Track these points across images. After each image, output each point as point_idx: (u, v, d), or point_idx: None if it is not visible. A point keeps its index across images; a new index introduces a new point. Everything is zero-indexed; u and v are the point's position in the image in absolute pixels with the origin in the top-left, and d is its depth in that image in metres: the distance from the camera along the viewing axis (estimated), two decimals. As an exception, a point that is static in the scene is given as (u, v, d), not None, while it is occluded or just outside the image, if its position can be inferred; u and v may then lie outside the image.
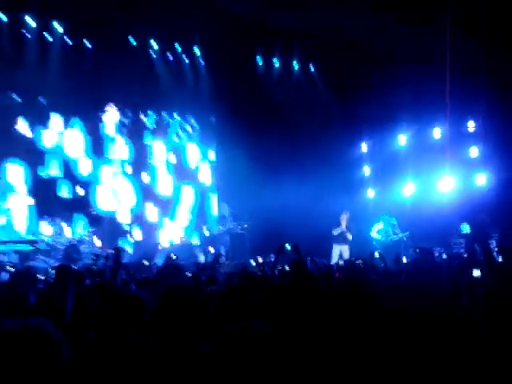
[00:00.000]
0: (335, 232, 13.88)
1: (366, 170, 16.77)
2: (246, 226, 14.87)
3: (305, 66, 16.51)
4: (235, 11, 13.73)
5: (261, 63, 16.29)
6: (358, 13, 13.27)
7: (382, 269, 8.14)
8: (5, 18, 12.99)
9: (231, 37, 14.23)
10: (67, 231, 13.71)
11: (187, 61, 15.56)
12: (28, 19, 13.29)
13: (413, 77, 13.64)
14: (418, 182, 15.26)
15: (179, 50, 15.46)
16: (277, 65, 16.44)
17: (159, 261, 12.25)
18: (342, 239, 13.81)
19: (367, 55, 14.42)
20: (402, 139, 15.79)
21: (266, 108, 15.98)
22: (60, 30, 13.79)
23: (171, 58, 15.45)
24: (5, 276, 9.61)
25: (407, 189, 15.51)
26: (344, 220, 13.92)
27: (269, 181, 15.07)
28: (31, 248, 12.03)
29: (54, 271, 8.62)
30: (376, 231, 14.21)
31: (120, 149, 15.24)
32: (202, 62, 15.60)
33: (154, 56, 15.16)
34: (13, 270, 9.57)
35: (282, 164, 15.55)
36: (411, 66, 13.73)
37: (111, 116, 15.09)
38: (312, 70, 16.60)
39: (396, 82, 13.92)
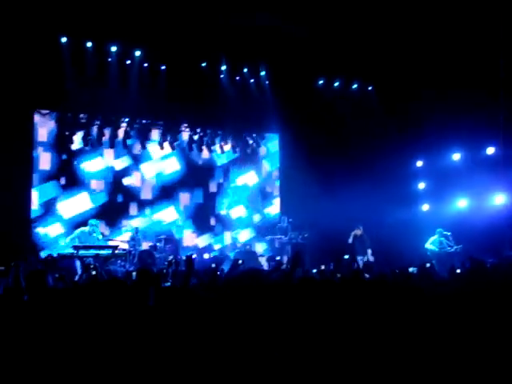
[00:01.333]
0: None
1: (421, 185, 17.32)
2: (306, 235, 15.41)
3: (363, 86, 17.26)
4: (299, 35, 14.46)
5: (321, 82, 17.03)
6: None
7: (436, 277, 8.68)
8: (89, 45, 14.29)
9: (294, 59, 15.09)
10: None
11: (252, 80, 16.46)
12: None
13: (466, 98, 13.98)
14: (472, 196, 15.54)
15: (245, 70, 16.38)
16: (336, 84, 17.18)
17: (226, 267, 13.26)
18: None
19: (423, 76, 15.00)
20: (456, 156, 16.17)
21: (326, 124, 16.70)
22: (138, 54, 14.91)
23: (238, 79, 16.36)
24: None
25: (461, 203, 15.89)
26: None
27: (327, 193, 15.72)
28: (110, 253, 12.75)
29: (134, 273, 9.88)
30: (430, 243, 14.59)
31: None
32: (267, 82, 16.46)
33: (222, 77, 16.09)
34: (94, 272, 10.74)
35: (340, 177, 16.18)
36: (464, 87, 14.12)
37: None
38: (369, 88, 17.40)
39: (449, 102, 14.42)
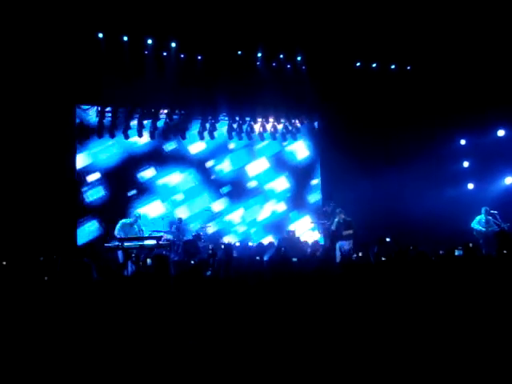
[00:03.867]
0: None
1: (466, 164, 17.03)
2: (349, 219, 14.96)
3: (402, 67, 16.95)
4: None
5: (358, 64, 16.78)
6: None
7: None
8: (125, 39, 14.40)
9: (332, 42, 14.97)
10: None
11: (289, 66, 16.31)
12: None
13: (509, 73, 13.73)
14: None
15: (281, 57, 16.24)
16: (374, 65, 16.91)
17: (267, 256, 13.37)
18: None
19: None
20: (501, 132, 15.81)
21: (365, 107, 16.58)
22: (173, 45, 14.97)
23: (274, 65, 16.24)
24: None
25: (508, 180, 15.60)
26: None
27: (369, 175, 15.78)
28: (154, 244, 12.75)
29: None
30: (477, 222, 14.31)
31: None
32: (304, 67, 16.33)
33: (258, 64, 16.01)
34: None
35: (381, 159, 16.30)
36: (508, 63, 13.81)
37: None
38: (408, 68, 17.08)
39: (491, 78, 14.16)
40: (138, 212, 13.82)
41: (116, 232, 13.15)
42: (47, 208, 13.70)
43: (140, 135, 15.49)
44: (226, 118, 16.43)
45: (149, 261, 10.77)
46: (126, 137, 15.32)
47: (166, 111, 15.55)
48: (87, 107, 15.13)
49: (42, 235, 13.19)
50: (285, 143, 17.39)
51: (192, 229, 15.44)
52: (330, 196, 16.73)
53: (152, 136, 15.66)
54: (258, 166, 17.23)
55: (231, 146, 16.94)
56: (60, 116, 14.15)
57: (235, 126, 16.42)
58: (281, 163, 17.45)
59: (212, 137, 16.25)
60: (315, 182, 17.86)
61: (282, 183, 17.43)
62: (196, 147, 16.51)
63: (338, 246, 13.80)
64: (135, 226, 13.22)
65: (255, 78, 15.62)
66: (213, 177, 16.60)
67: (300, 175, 17.62)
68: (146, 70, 14.59)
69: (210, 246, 13.39)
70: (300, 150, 17.80)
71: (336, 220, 14.03)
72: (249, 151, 17.13)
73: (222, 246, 13.05)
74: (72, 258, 10.87)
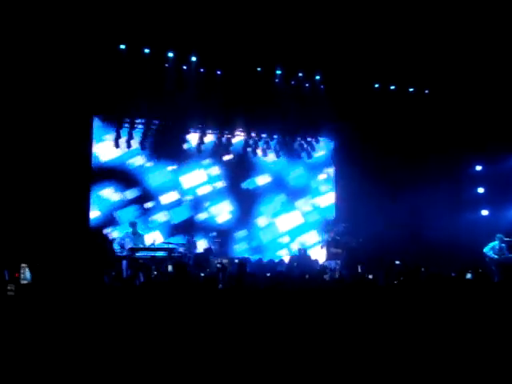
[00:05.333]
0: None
1: (481, 190, 16.89)
2: (360, 240, 14.96)
3: (420, 90, 16.88)
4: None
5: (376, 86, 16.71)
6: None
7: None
8: (147, 51, 14.46)
9: (351, 63, 14.99)
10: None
11: (307, 85, 16.29)
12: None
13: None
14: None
15: (300, 75, 16.22)
16: (392, 87, 16.83)
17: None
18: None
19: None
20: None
21: (382, 128, 16.50)
22: (194, 59, 14.97)
23: (293, 83, 16.19)
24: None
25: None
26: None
27: (383, 197, 15.69)
28: (166, 255, 12.93)
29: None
30: (490, 248, 14.16)
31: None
32: (322, 86, 16.31)
33: (276, 81, 15.95)
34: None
35: (396, 182, 16.20)
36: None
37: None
38: (426, 92, 17.00)
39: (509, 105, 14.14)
40: (133, 220, 13.96)
41: (117, 244, 13.16)
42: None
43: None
44: (243, 134, 16.42)
45: (170, 267, 11.93)
46: (143, 148, 15.38)
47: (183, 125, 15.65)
48: (105, 117, 15.15)
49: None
50: (300, 160, 17.27)
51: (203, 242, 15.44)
52: (344, 216, 16.67)
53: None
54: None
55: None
56: (78, 126, 14.25)
57: (251, 142, 16.42)
58: (292, 180, 17.33)
59: (227, 152, 16.30)
60: (329, 199, 17.74)
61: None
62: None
63: (325, 264, 13.74)
64: (139, 233, 13.42)
65: (273, 94, 15.58)
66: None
67: (314, 193, 17.52)
68: (166, 83, 14.63)
69: (220, 261, 13.46)
70: (315, 168, 17.67)
71: (325, 238, 13.97)
72: (260, 166, 17.04)
73: (236, 261, 13.43)
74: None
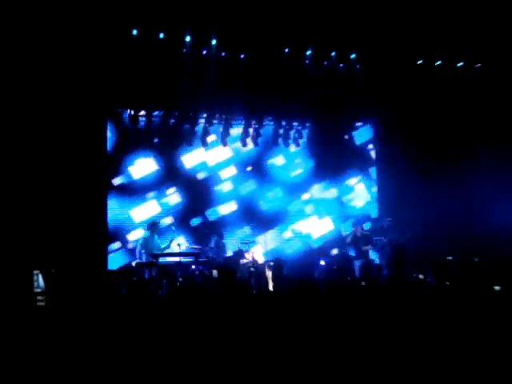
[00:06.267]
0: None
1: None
2: (408, 236, 13.98)
3: (470, 65, 15.43)
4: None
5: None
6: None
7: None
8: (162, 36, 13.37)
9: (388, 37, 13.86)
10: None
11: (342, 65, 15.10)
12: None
13: None
14: None
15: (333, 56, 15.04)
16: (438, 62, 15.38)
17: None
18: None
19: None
20: None
21: (426, 111, 15.29)
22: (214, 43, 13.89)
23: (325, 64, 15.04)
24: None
25: None
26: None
27: (428, 188, 14.87)
28: (192, 260, 12.35)
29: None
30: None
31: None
32: (358, 66, 15.09)
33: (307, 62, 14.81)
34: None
35: (442, 171, 15.16)
36: None
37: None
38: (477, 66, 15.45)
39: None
40: (153, 221, 13.08)
41: (137, 252, 12.56)
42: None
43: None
44: (272, 123, 15.23)
45: (215, 272, 11.77)
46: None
47: (205, 115, 14.48)
48: (120, 110, 14.04)
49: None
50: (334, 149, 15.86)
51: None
52: (387, 210, 15.56)
53: (189, 143, 14.57)
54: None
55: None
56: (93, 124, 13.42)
57: (281, 131, 15.21)
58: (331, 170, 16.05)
59: (256, 143, 15.07)
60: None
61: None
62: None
63: (355, 264, 13.10)
64: (155, 236, 12.61)
65: (303, 78, 14.45)
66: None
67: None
68: (184, 69, 13.62)
69: (252, 263, 13.02)
70: (351, 157, 16.25)
71: (352, 231, 13.39)
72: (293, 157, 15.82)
73: (271, 263, 12.90)
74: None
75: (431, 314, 5.62)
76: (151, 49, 13.16)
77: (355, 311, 5.75)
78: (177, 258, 12.11)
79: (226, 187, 14.96)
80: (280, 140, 15.24)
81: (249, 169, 15.23)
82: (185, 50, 13.67)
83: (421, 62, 15.26)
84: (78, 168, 12.86)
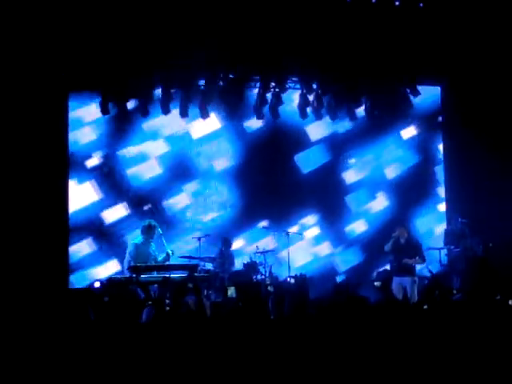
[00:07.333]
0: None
1: None
2: (490, 245, 11.80)
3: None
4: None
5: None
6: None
7: None
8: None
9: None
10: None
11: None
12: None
13: None
14: None
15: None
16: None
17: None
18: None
19: None
20: None
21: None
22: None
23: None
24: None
25: None
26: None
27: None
28: (187, 276, 10.23)
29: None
30: None
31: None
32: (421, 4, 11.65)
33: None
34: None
35: None
36: None
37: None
38: None
39: None
40: (152, 221, 10.92)
41: (126, 262, 10.64)
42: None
43: (165, 112, 11.91)
44: (299, 86, 12.32)
45: (230, 292, 10.87)
46: (145, 113, 11.70)
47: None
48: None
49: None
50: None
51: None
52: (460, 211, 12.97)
53: (183, 113, 11.94)
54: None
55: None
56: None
57: (311, 97, 12.16)
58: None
59: (275, 114, 12.18)
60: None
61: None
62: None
63: (394, 282, 10.52)
64: (152, 244, 10.58)
65: (343, 22, 11.61)
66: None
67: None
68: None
69: (270, 281, 11.56)
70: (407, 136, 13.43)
71: (395, 235, 10.47)
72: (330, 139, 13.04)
73: (293, 280, 11.73)
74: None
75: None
76: None
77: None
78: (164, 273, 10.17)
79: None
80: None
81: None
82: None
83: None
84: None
